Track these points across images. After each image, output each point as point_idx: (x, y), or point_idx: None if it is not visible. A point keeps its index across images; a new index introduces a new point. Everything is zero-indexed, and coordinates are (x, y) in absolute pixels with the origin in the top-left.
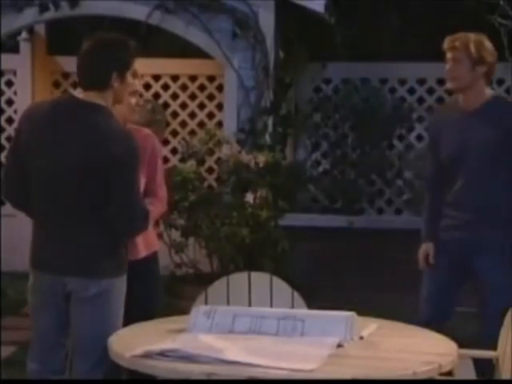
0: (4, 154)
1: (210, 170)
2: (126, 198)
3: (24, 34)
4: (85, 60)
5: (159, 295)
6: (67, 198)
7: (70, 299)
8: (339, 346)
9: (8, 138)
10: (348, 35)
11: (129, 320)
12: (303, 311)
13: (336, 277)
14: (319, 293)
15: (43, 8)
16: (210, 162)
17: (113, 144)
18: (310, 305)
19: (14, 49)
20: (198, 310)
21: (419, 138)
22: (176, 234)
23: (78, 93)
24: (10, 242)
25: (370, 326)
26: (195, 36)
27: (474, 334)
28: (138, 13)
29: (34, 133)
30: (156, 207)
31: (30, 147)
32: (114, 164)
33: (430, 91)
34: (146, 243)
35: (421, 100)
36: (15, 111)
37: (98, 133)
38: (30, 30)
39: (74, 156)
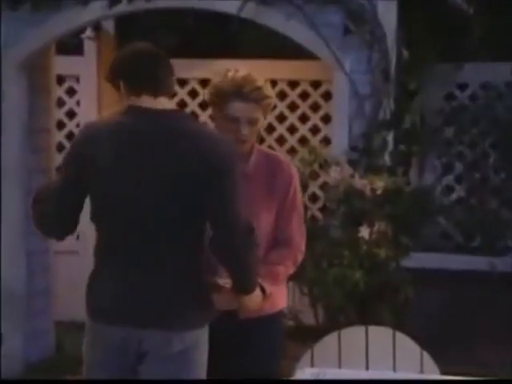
0: None
1: (314, 198)
2: (224, 211)
3: (89, 32)
4: (155, 63)
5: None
6: (144, 226)
7: (143, 358)
8: None
9: None
10: (490, 29)
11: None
12: (435, 377)
13: (473, 333)
14: (451, 352)
15: (114, 0)
16: (314, 187)
17: (207, 151)
18: (442, 367)
19: (77, 50)
20: (304, 373)
21: None
22: None
23: (142, 102)
24: (68, 285)
25: None
26: (297, 32)
27: None
28: (228, 5)
29: (105, 155)
30: (290, 259)
31: (100, 171)
32: (209, 174)
33: None
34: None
35: None
36: (77, 125)
37: (189, 141)
38: (97, 27)
39: (160, 174)
